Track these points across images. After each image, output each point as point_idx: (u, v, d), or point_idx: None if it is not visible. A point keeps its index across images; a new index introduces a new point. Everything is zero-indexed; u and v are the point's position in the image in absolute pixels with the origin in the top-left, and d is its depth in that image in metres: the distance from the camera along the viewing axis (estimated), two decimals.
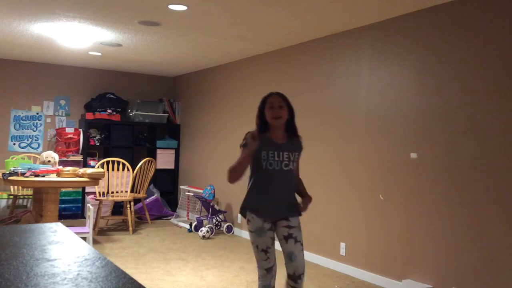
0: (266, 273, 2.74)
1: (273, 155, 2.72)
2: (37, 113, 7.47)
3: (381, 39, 4.36)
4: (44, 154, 5.63)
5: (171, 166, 8.10)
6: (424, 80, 3.95)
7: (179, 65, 7.25)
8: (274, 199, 2.77)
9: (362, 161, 4.52)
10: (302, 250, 2.75)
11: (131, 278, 1.28)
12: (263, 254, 2.72)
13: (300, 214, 2.86)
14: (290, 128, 2.83)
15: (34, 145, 7.44)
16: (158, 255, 5.15)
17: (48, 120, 7.54)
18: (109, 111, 7.56)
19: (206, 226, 6.14)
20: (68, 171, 5.19)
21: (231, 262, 4.92)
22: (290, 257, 2.71)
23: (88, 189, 7.28)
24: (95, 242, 5.62)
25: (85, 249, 1.62)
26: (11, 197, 6.81)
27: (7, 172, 4.93)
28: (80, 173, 5.18)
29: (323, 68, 5.05)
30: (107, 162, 6.49)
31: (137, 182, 6.80)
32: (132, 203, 6.41)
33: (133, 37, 5.41)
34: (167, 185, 8.09)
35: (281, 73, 5.69)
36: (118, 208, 7.33)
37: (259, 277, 2.77)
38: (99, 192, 6.41)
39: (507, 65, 3.35)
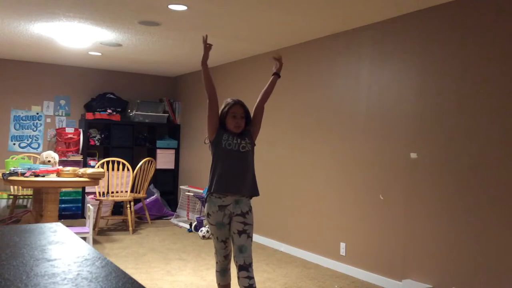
0: (224, 259, 3.19)
1: (232, 139, 3.09)
2: (37, 113, 7.47)
3: (381, 39, 4.36)
4: (44, 154, 5.63)
5: (171, 166, 8.10)
6: (424, 80, 3.95)
7: (179, 65, 7.25)
8: (234, 177, 3.07)
9: (362, 161, 4.52)
10: (251, 244, 3.10)
11: (131, 278, 1.28)
12: (222, 244, 3.14)
13: (257, 194, 3.18)
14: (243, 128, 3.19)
15: (34, 145, 7.44)
16: (158, 255, 5.15)
17: (48, 120, 7.54)
18: (109, 111, 7.56)
19: (206, 226, 6.14)
20: (68, 171, 5.19)
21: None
22: (240, 250, 3.04)
23: (88, 189, 7.28)
24: (95, 242, 5.62)
25: (85, 249, 1.62)
26: (11, 197, 6.81)
27: (7, 172, 4.93)
28: (80, 173, 5.18)
29: (323, 68, 5.05)
30: (107, 162, 6.49)
31: (137, 182, 6.80)
32: (132, 203, 6.41)
33: (133, 37, 5.41)
34: (167, 185, 8.09)
35: (281, 73, 5.68)
36: (118, 208, 7.33)
37: (217, 262, 3.21)
38: (99, 192, 6.41)
39: (507, 65, 3.35)
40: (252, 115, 3.24)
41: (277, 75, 3.41)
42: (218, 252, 3.17)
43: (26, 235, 1.82)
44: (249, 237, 3.08)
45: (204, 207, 6.49)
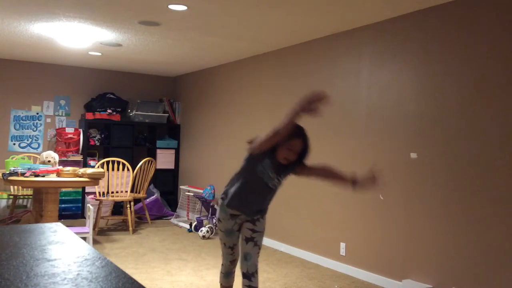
0: (230, 264, 3.12)
1: (270, 170, 2.88)
2: (37, 113, 7.47)
3: (381, 39, 4.36)
4: (44, 154, 5.63)
5: (171, 166, 8.10)
6: (424, 80, 3.95)
7: (179, 65, 7.25)
8: (249, 202, 2.96)
9: (362, 161, 4.52)
10: (258, 252, 3.01)
11: (131, 278, 1.28)
12: (230, 250, 3.08)
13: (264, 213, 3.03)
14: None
15: (34, 145, 7.44)
16: (158, 255, 5.15)
17: (48, 120, 7.54)
18: (109, 111, 7.56)
19: (206, 226, 6.14)
20: (68, 171, 5.19)
21: None
22: (245, 257, 2.97)
23: (88, 189, 7.28)
24: (95, 242, 5.62)
25: (85, 249, 1.62)
26: (11, 197, 6.81)
27: (7, 172, 4.93)
28: (80, 173, 5.18)
29: (323, 68, 5.05)
30: (107, 162, 6.49)
31: (137, 182, 6.80)
32: (132, 203, 6.41)
33: (133, 37, 5.41)
34: (167, 185, 8.09)
35: (281, 73, 5.69)
36: (118, 208, 7.34)
37: (223, 265, 3.14)
38: (99, 192, 6.41)
39: (507, 65, 3.35)
40: (314, 166, 2.93)
41: (354, 184, 2.83)
42: (225, 257, 3.11)
43: (26, 235, 1.82)
44: (256, 245, 3.00)
45: (203, 207, 6.50)
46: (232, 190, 2.97)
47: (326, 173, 2.94)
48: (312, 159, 5.24)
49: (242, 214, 2.99)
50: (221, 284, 3.23)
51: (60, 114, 7.64)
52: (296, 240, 5.34)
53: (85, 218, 7.12)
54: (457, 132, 3.67)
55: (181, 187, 7.66)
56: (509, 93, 3.33)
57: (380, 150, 4.34)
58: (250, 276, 2.96)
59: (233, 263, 3.12)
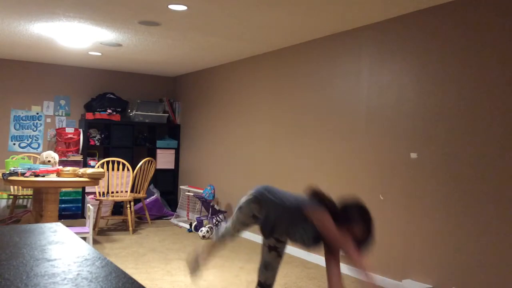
0: (235, 232, 2.87)
1: (309, 236, 2.73)
2: (37, 113, 7.47)
3: (381, 39, 4.36)
4: (44, 154, 5.63)
5: (171, 166, 8.11)
6: (424, 80, 3.95)
7: (179, 65, 7.25)
8: (271, 232, 2.86)
9: (362, 161, 4.52)
10: (280, 263, 2.91)
11: (131, 278, 1.28)
12: (236, 232, 2.86)
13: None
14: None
15: (34, 145, 7.44)
16: (158, 255, 5.15)
17: (48, 120, 7.54)
18: (109, 111, 7.56)
19: (206, 226, 6.14)
20: (68, 171, 5.18)
21: (231, 262, 4.92)
22: (266, 267, 2.88)
23: (88, 189, 7.29)
24: (95, 242, 5.62)
25: (85, 249, 1.62)
26: (11, 197, 6.81)
27: (7, 172, 4.93)
28: (80, 173, 5.18)
29: (323, 68, 5.05)
30: (107, 162, 6.49)
31: (137, 182, 6.80)
32: (132, 203, 6.41)
33: (133, 37, 5.41)
34: (167, 185, 8.10)
35: (281, 73, 5.69)
36: (118, 208, 7.34)
37: (227, 227, 2.91)
38: (99, 192, 6.41)
39: (507, 65, 3.35)
40: (338, 254, 2.83)
41: None
42: (235, 226, 2.87)
43: (26, 235, 1.82)
44: (280, 256, 2.89)
45: (203, 207, 6.50)
46: (265, 215, 2.79)
47: (334, 270, 2.80)
48: (311, 159, 5.24)
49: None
50: (213, 242, 3.00)
51: (60, 114, 7.64)
52: None
53: (85, 218, 7.12)
54: (457, 132, 3.67)
55: (181, 187, 7.66)
56: (509, 93, 3.33)
57: (380, 150, 4.34)
58: (266, 287, 2.88)
59: (234, 235, 2.91)
